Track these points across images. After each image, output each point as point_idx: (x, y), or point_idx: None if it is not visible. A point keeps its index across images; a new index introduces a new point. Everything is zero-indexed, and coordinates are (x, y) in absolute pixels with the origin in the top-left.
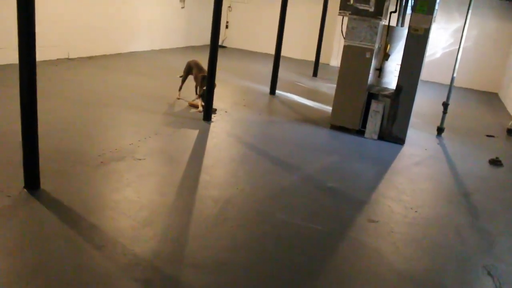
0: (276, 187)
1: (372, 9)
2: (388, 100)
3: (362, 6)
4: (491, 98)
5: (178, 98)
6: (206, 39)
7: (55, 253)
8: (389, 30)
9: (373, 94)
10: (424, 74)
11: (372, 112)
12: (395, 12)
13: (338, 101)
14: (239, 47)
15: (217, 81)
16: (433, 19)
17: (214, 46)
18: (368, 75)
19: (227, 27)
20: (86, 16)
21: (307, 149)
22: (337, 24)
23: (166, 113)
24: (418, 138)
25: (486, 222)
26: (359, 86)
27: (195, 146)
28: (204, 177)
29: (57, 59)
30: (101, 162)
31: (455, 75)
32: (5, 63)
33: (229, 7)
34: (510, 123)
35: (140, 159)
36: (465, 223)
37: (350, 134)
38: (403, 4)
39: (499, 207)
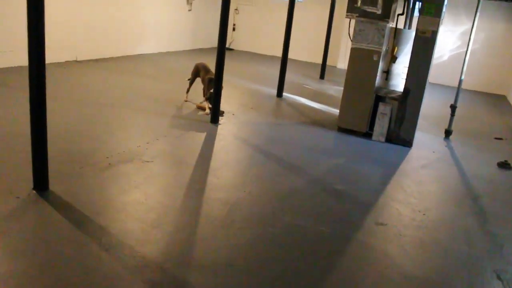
0: (284, 190)
1: (379, 12)
2: (395, 103)
3: (369, 9)
4: (499, 101)
5: (186, 101)
6: (213, 42)
7: (64, 255)
8: (396, 32)
9: (381, 96)
10: (432, 77)
11: (379, 115)
12: (402, 14)
13: (346, 103)
14: (246, 49)
15: (224, 84)
16: (440, 22)
17: (222, 49)
18: (376, 77)
19: (234, 29)
20: (94, 19)
21: (314, 151)
22: (344, 26)
23: (173, 115)
24: (426, 141)
25: (495, 225)
26: (367, 88)
27: (202, 148)
28: (211, 179)
29: (66, 61)
30: (109, 164)
31: (463, 77)
32: (12, 65)
33: (236, 9)
34: None
35: (148, 161)
36: (474, 226)
37: (357, 136)
38: (411, 7)
39: (508, 211)
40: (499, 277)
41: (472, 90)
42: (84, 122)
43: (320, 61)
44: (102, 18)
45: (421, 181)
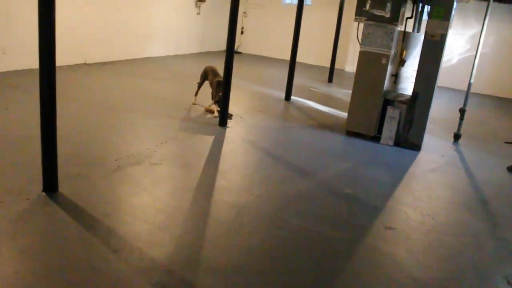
0: (292, 193)
1: (388, 15)
2: (404, 106)
3: (378, 12)
4: (509, 104)
5: (194, 104)
6: (221, 45)
7: (72, 256)
8: (405, 36)
9: (389, 100)
10: (441, 80)
11: (388, 118)
12: (411, 18)
13: (354, 107)
14: (254, 52)
15: (232, 87)
16: (449, 25)
17: (230, 52)
18: (384, 81)
19: (242, 33)
20: (103, 23)
21: (322, 155)
22: (353, 30)
23: (182, 118)
24: (435, 145)
25: (505, 230)
26: (375, 92)
27: (211, 151)
28: (220, 182)
29: (75, 64)
30: (118, 166)
31: (472, 81)
32: (23, 68)
33: (244, 13)
34: None
35: (156, 164)
36: (483, 231)
37: (365, 140)
38: (419, 10)
39: None
40: (509, 283)
41: (481, 94)
42: (93, 125)
43: (328, 64)
44: (111, 22)
45: (430, 185)
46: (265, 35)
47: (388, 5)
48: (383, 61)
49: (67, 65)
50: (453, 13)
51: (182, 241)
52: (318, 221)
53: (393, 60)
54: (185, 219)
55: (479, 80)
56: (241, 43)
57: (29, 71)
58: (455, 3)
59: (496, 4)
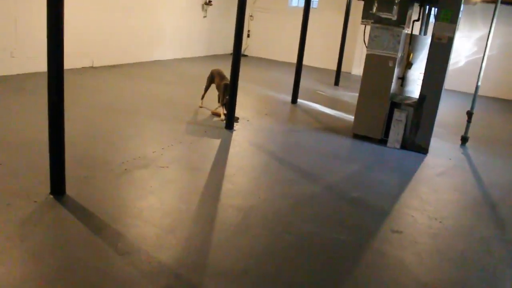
0: (299, 196)
1: (394, 18)
2: (411, 109)
3: (384, 15)
4: None
5: (201, 107)
6: (228, 48)
7: (80, 259)
8: (412, 38)
9: (396, 103)
10: (448, 83)
11: (395, 121)
12: (418, 20)
13: (361, 110)
14: (260, 55)
15: (238, 90)
16: (456, 28)
17: (237, 55)
18: (391, 84)
19: (248, 36)
20: (111, 26)
21: (329, 158)
22: (359, 32)
23: (189, 121)
24: (442, 148)
25: None
26: (382, 95)
27: (217, 154)
28: (226, 185)
29: (82, 67)
30: (125, 169)
31: (479, 83)
32: (31, 71)
33: (251, 16)
34: None
35: (163, 167)
36: (492, 235)
37: (372, 143)
38: (426, 13)
39: None
40: None
41: (489, 96)
42: (100, 128)
43: (334, 67)
44: (118, 25)
45: (437, 189)
46: (272, 38)
47: (395, 7)
48: (390, 64)
49: (74, 68)
50: (460, 15)
51: (189, 244)
52: (324, 224)
53: (400, 62)
54: (192, 222)
55: (487, 82)
56: (247, 46)
57: (37, 74)
58: (462, 6)
59: (504, 6)
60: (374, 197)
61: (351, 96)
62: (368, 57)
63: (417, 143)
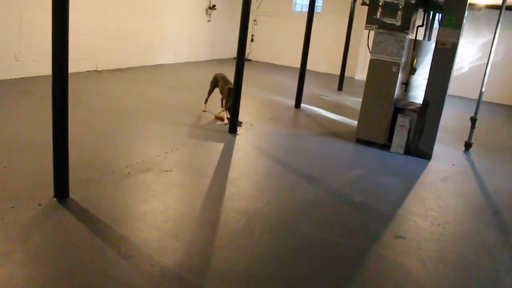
0: (302, 201)
1: (398, 23)
2: (414, 115)
3: (388, 20)
4: None
5: (204, 111)
6: (231, 52)
7: (83, 262)
8: (415, 44)
9: (400, 108)
10: (452, 89)
11: (398, 127)
12: (422, 26)
13: (364, 115)
14: (264, 60)
15: (242, 94)
16: (460, 33)
17: (241, 59)
18: (395, 89)
19: (252, 40)
20: (115, 30)
21: (332, 163)
22: (363, 38)
23: (192, 125)
24: (445, 153)
25: None
26: (385, 100)
27: (220, 158)
28: (229, 189)
29: (86, 71)
30: (129, 173)
31: (483, 89)
32: (35, 75)
33: (255, 20)
34: None
35: (166, 171)
36: (495, 241)
37: (375, 148)
38: (430, 18)
39: None
40: None
41: (493, 102)
42: (104, 131)
43: (338, 72)
44: (122, 29)
45: (441, 194)
46: (275, 42)
47: (399, 13)
48: (394, 69)
49: (78, 72)
50: (464, 21)
51: (192, 248)
52: (327, 229)
53: (404, 68)
54: (195, 226)
55: (491, 88)
56: (251, 51)
57: (42, 77)
58: (466, 11)
59: (508, 12)
60: (377, 202)
61: (355, 101)
62: (372, 62)
63: (420, 148)
